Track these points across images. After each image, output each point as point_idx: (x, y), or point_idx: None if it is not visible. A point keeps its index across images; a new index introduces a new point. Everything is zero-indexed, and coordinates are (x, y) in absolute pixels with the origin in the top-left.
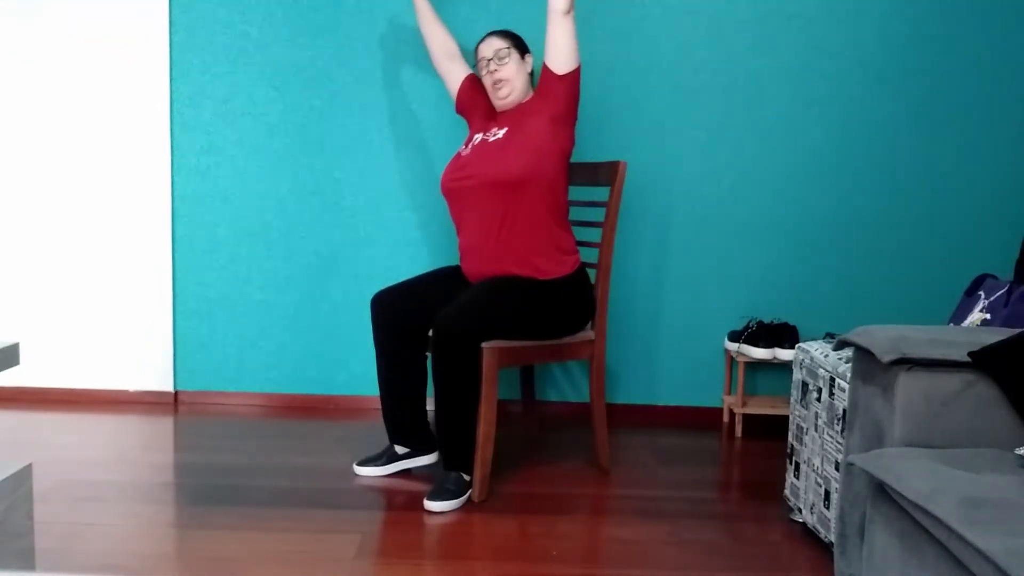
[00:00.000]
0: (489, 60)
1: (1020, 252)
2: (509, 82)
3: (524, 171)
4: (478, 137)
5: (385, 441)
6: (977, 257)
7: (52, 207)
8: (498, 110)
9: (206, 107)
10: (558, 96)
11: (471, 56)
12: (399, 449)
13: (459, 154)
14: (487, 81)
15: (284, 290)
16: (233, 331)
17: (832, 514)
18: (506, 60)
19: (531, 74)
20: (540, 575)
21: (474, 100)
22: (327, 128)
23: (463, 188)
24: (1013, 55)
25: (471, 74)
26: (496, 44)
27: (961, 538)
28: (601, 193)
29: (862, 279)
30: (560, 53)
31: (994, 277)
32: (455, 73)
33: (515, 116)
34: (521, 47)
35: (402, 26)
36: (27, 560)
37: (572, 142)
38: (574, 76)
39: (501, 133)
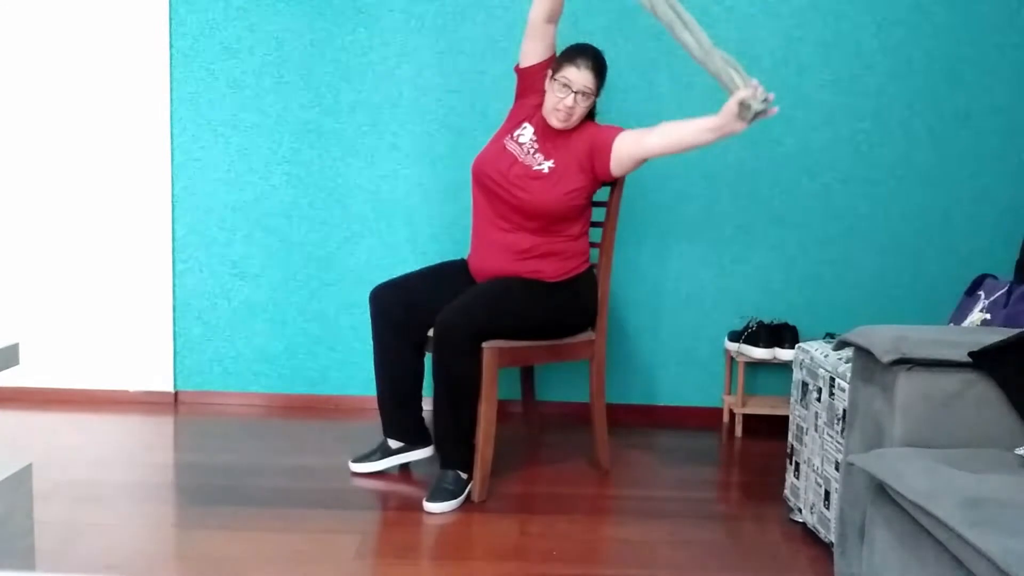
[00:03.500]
0: (574, 93)
1: (1020, 252)
2: (573, 118)
3: (559, 210)
4: (526, 136)
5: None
6: (977, 257)
7: (52, 207)
8: (544, 118)
9: (206, 106)
10: (600, 176)
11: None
12: (393, 443)
13: (505, 146)
14: (554, 100)
15: (284, 290)
16: (233, 331)
17: (832, 514)
18: (584, 102)
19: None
20: (540, 575)
21: (536, 83)
22: (327, 126)
23: (496, 191)
24: (1014, 54)
25: (552, 56)
26: (587, 80)
27: (961, 538)
28: (601, 193)
29: (862, 279)
30: (627, 165)
31: (994, 277)
32: (540, 44)
33: (564, 150)
34: (602, 85)
35: (410, 20)
36: (27, 560)
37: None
38: (615, 177)
39: (547, 166)
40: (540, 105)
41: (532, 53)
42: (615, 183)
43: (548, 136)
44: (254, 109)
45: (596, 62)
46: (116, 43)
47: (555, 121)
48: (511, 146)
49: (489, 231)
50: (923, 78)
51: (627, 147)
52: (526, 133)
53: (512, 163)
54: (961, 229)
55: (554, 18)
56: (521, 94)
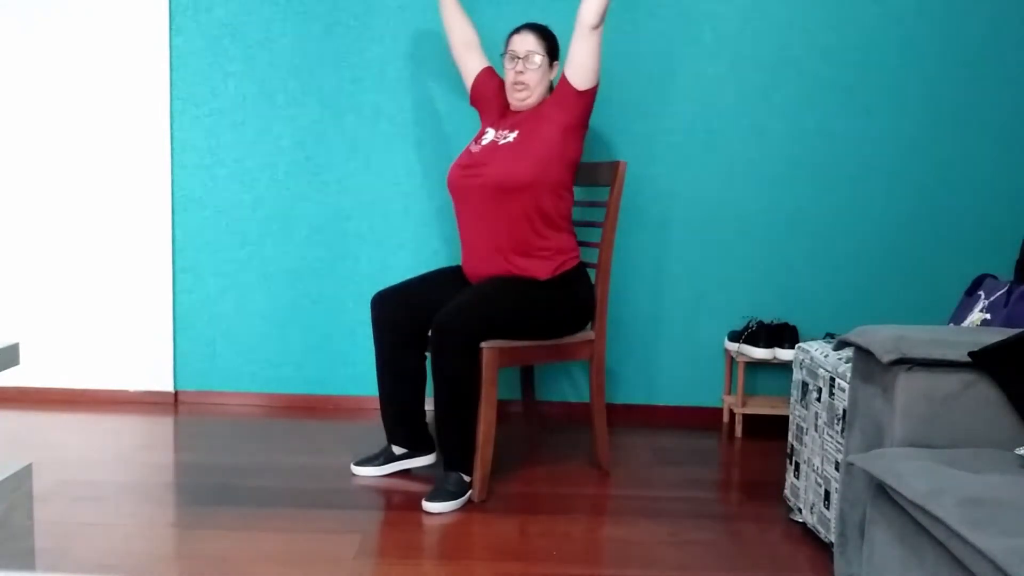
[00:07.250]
0: (520, 59)
1: (1020, 252)
2: (529, 87)
3: (531, 177)
4: (489, 135)
5: (384, 441)
6: (977, 257)
7: (52, 207)
8: (511, 107)
9: (207, 106)
10: (574, 109)
11: (488, 44)
12: (397, 449)
13: (469, 149)
14: (509, 76)
15: (284, 290)
16: (233, 331)
17: (832, 514)
18: (534, 66)
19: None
20: (540, 575)
21: (489, 93)
22: (328, 128)
23: (470, 186)
24: (1013, 54)
25: (488, 67)
26: (530, 44)
27: (961, 538)
28: (601, 193)
29: (862, 279)
30: (584, 69)
31: (994, 277)
32: (472, 64)
33: (528, 119)
34: (553, 51)
35: (406, 22)
36: (27, 560)
37: (581, 150)
38: (593, 92)
39: (512, 136)
40: (495, 116)
41: (470, 75)
42: (579, 151)
43: (511, 122)
44: (256, 109)
45: (536, 26)
46: (116, 42)
47: (516, 99)
48: (475, 148)
49: (473, 234)
50: (923, 78)
51: (571, 58)
52: (488, 135)
53: (478, 154)
54: (961, 229)
55: (470, 44)
56: (482, 112)
